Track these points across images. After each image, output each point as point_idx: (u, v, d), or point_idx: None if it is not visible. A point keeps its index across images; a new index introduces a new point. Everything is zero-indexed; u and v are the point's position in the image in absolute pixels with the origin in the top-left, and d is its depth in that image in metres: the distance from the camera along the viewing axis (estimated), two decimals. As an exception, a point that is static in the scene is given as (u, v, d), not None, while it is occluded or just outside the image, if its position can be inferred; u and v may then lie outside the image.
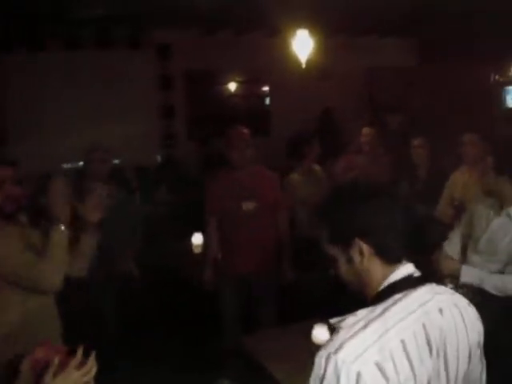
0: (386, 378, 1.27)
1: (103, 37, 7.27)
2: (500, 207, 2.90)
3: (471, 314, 1.49)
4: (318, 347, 2.86)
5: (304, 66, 6.07)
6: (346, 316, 1.38)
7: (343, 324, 1.37)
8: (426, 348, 1.35)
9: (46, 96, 7.01)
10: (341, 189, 1.60)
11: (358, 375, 1.25)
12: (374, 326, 1.32)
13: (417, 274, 1.46)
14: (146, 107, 7.67)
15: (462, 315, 1.45)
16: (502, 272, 2.82)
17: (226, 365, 4.15)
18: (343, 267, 1.49)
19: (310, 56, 6.08)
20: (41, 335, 2.39)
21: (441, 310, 1.41)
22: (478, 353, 1.49)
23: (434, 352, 1.36)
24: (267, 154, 5.66)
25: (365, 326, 1.32)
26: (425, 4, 5.96)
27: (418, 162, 5.09)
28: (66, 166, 6.50)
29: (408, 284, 1.42)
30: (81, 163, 4.54)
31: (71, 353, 1.80)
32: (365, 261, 1.44)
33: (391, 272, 1.44)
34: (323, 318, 3.06)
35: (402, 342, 1.31)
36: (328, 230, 1.50)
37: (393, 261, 1.44)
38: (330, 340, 1.35)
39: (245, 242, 3.96)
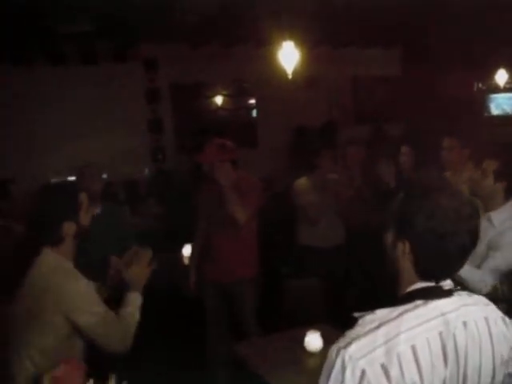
0: (390, 380, 1.29)
1: (89, 51, 7.28)
2: (484, 211, 2.93)
3: (502, 327, 1.46)
4: (310, 354, 2.91)
5: (290, 77, 6.10)
6: (366, 313, 1.40)
7: (360, 320, 1.39)
8: (441, 357, 1.34)
9: (32, 111, 6.99)
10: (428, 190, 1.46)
11: (363, 373, 1.28)
12: (387, 328, 1.33)
13: (448, 286, 1.44)
14: (133, 121, 7.69)
15: (489, 328, 1.42)
16: None
17: (216, 372, 4.17)
18: (388, 258, 1.51)
19: (296, 67, 6.12)
20: None
21: (465, 323, 1.39)
22: (508, 366, 1.46)
23: (452, 362, 1.35)
24: (255, 165, 5.70)
25: (378, 326, 1.34)
26: (408, 14, 6.05)
27: (403, 170, 5.14)
28: (53, 180, 6.47)
29: (434, 293, 1.41)
30: (70, 178, 4.54)
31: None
32: (402, 261, 1.46)
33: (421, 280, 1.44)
34: (316, 325, 3.08)
35: (413, 347, 1.31)
36: (392, 218, 1.49)
37: (426, 279, 1.43)
38: (344, 335, 1.37)
39: (227, 249, 4.01)
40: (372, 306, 1.43)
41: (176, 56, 7.58)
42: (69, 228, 2.35)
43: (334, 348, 1.36)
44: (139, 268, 2.48)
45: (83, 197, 2.42)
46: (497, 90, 8.69)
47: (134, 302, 2.45)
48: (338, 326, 3.14)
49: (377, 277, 4.21)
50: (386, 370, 1.29)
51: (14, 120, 6.90)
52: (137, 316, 2.43)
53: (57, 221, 2.33)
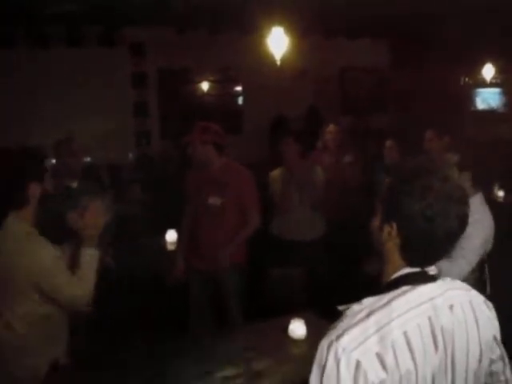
0: (386, 369, 1.26)
1: (76, 34, 7.21)
2: None
3: (486, 311, 1.46)
4: (294, 341, 2.90)
5: (279, 64, 6.08)
6: (352, 304, 1.37)
7: (348, 312, 1.36)
8: (431, 342, 1.33)
9: (16, 94, 6.91)
10: (417, 170, 1.43)
11: (358, 363, 1.25)
12: (378, 316, 1.31)
13: (433, 272, 1.42)
14: (119, 105, 7.62)
15: (474, 312, 1.42)
16: None
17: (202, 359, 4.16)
18: (375, 235, 1.48)
19: (285, 55, 6.09)
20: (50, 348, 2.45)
21: (451, 306, 1.38)
22: (493, 351, 1.46)
23: (441, 347, 1.34)
24: (240, 152, 5.67)
25: (368, 315, 1.31)
26: (397, 5, 6.04)
27: (388, 163, 5.16)
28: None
29: (420, 278, 1.39)
30: (53, 161, 4.47)
31: None
32: (388, 246, 1.43)
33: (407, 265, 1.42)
34: (300, 313, 3.08)
35: (405, 333, 1.30)
36: (380, 202, 1.46)
37: (412, 265, 1.41)
38: (333, 327, 1.34)
39: (211, 237, 3.95)
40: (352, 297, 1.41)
41: (163, 41, 7.50)
42: (34, 190, 2.41)
43: (324, 342, 1.32)
44: (91, 217, 2.50)
45: (49, 162, 2.46)
46: (483, 84, 8.74)
47: (89, 258, 2.49)
48: (321, 314, 3.16)
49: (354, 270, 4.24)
50: (381, 359, 1.27)
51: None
52: (93, 273, 2.48)
53: (23, 182, 2.39)
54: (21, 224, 2.41)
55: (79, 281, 2.44)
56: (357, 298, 1.40)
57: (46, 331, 2.45)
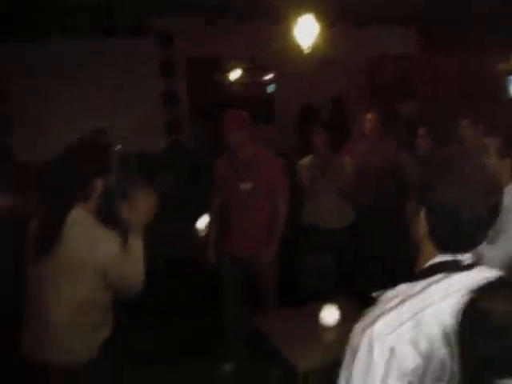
0: (420, 355, 1.26)
1: (105, 24, 7.26)
2: None
3: None
4: (326, 328, 2.92)
5: (308, 52, 6.05)
6: (386, 290, 1.37)
7: (382, 298, 1.36)
8: None
9: (47, 84, 7.00)
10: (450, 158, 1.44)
11: (392, 349, 1.25)
12: (412, 303, 1.30)
13: (469, 260, 1.39)
14: (148, 94, 7.67)
15: None
16: None
17: (232, 344, 4.22)
18: (409, 222, 1.48)
19: (314, 43, 6.06)
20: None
21: None
22: None
23: None
24: (272, 141, 5.68)
25: (402, 302, 1.31)
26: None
27: (421, 151, 5.11)
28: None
29: (454, 266, 1.37)
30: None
31: None
32: (420, 232, 1.43)
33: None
34: (331, 300, 3.09)
35: (439, 321, 1.27)
36: (414, 188, 1.47)
37: (444, 252, 1.40)
38: (367, 313, 1.35)
39: (243, 223, 4.01)
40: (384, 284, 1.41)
41: (192, 30, 7.52)
42: (99, 185, 2.45)
43: (358, 326, 1.32)
44: (139, 209, 2.52)
45: (115, 155, 2.49)
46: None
47: (138, 247, 2.51)
48: (351, 300, 3.17)
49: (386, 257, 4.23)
50: (415, 346, 1.26)
51: (28, 93, 6.90)
52: (142, 262, 2.51)
53: (89, 177, 2.43)
54: (86, 216, 2.46)
55: (134, 269, 2.49)
56: (388, 284, 1.40)
57: (92, 318, 2.50)
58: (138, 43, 7.56)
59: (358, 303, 1.34)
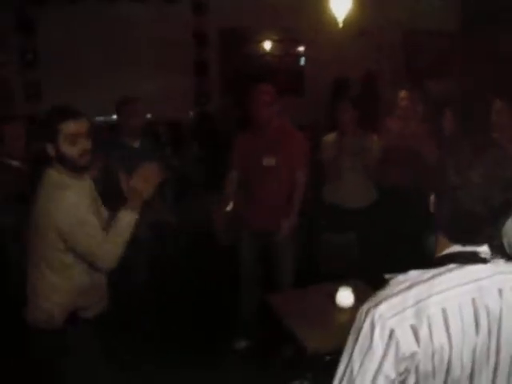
0: (419, 342, 1.27)
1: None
2: None
3: None
4: (340, 309, 2.92)
5: (341, 25, 5.94)
6: (398, 274, 1.38)
7: (392, 281, 1.37)
8: (472, 323, 1.30)
9: (78, 49, 7.00)
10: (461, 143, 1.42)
11: (392, 332, 1.27)
12: (419, 289, 1.31)
13: (485, 254, 1.37)
14: (179, 63, 7.62)
15: None
16: None
17: (247, 323, 4.26)
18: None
19: (348, 16, 5.95)
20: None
21: (500, 291, 1.34)
22: None
23: (484, 330, 1.31)
24: (300, 114, 5.63)
25: (410, 287, 1.32)
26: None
27: (448, 134, 4.97)
28: (98, 119, 6.51)
29: (469, 258, 1.36)
30: (114, 117, 4.55)
31: None
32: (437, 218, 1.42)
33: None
34: (348, 281, 3.09)
35: (444, 310, 1.29)
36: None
37: (457, 242, 1.39)
38: (375, 295, 1.37)
39: (264, 197, 4.02)
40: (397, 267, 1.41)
41: (227, 0, 7.43)
42: (50, 150, 2.48)
43: (364, 308, 1.35)
44: (140, 180, 2.51)
45: (65, 126, 2.45)
46: None
47: (126, 221, 2.49)
48: (369, 281, 3.16)
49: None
50: (415, 331, 1.27)
51: (59, 58, 6.93)
52: (125, 236, 2.48)
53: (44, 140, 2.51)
54: (55, 173, 2.50)
55: (105, 240, 2.46)
56: (405, 267, 1.40)
57: (68, 281, 2.54)
58: (173, 10, 7.50)
59: (375, 284, 1.35)
